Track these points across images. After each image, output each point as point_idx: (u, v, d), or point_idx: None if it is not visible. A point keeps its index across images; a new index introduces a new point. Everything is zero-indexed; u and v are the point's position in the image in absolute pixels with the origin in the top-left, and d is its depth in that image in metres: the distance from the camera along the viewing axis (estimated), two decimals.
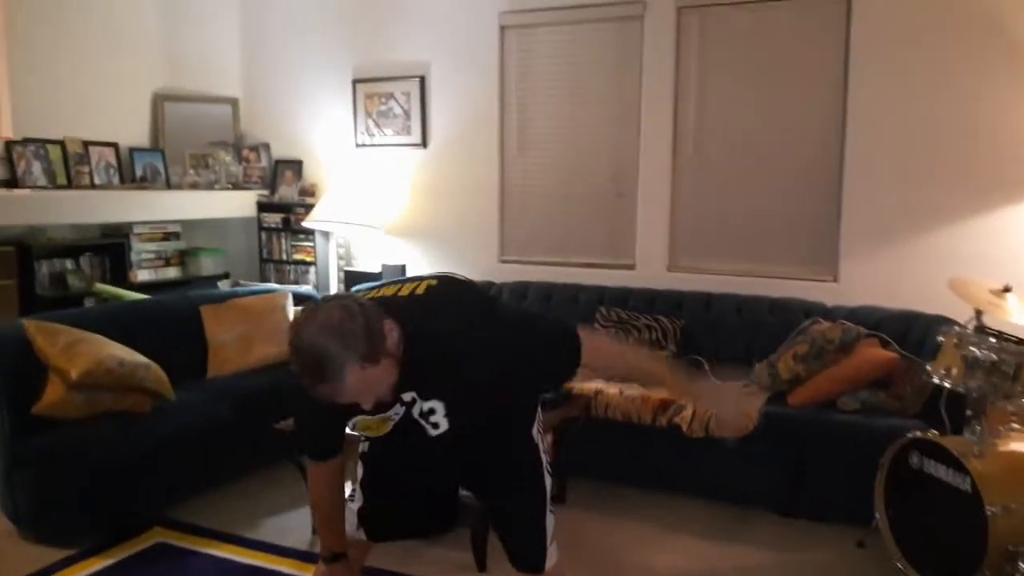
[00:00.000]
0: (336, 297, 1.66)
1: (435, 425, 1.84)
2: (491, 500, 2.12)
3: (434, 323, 1.73)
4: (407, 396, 1.84)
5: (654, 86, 4.32)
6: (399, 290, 1.83)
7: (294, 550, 3.09)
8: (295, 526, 3.30)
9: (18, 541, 3.13)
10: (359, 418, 1.87)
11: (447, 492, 2.19)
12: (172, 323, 3.97)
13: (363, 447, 2.13)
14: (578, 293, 4.40)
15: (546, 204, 4.70)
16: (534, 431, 2.06)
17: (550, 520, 2.04)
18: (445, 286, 1.84)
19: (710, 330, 4.02)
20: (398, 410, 1.86)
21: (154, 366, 3.39)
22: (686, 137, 4.31)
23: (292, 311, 4.22)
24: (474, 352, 1.72)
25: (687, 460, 3.45)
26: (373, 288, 1.90)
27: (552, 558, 2.03)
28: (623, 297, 4.28)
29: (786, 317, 3.86)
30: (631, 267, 4.47)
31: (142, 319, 3.87)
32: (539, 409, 2.12)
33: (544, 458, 2.06)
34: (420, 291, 1.81)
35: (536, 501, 2.03)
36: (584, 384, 3.68)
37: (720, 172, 4.25)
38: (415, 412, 1.84)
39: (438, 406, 1.82)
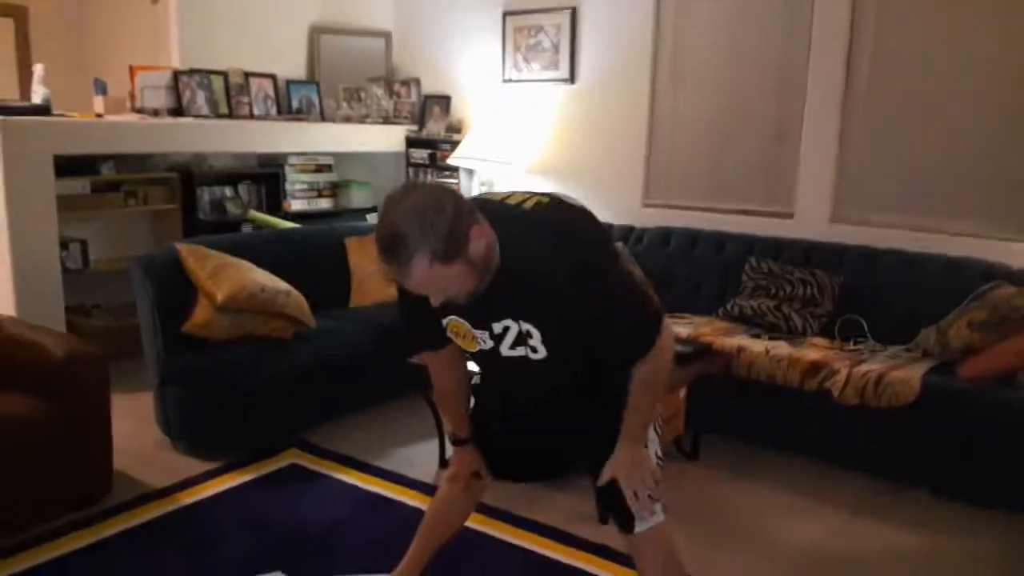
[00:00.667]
0: (438, 186, 1.61)
1: (534, 349, 1.77)
2: (589, 463, 2.00)
3: (530, 244, 1.65)
4: (498, 327, 1.77)
5: (827, 12, 3.92)
6: (508, 197, 1.75)
7: (420, 482, 3.12)
8: (423, 458, 3.34)
9: (169, 451, 3.34)
10: (451, 318, 1.83)
11: (552, 443, 2.11)
12: (319, 253, 4.07)
13: (474, 379, 2.12)
14: (726, 242, 4.14)
15: (697, 145, 4.43)
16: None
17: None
18: (554, 209, 1.73)
19: (872, 289, 3.67)
20: (485, 338, 1.81)
21: (295, 293, 3.47)
22: (860, 72, 3.90)
23: None
24: (563, 283, 1.63)
25: (835, 428, 3.19)
26: (490, 193, 1.84)
27: (646, 521, 1.88)
28: (776, 248, 3.98)
29: (961, 279, 3.46)
30: (788, 216, 4.15)
31: (290, 247, 3.99)
32: None
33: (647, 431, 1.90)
34: (528, 206, 1.71)
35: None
36: (725, 339, 3.46)
37: (898, 112, 3.82)
38: (510, 337, 1.77)
39: (534, 331, 1.75)
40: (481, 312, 1.77)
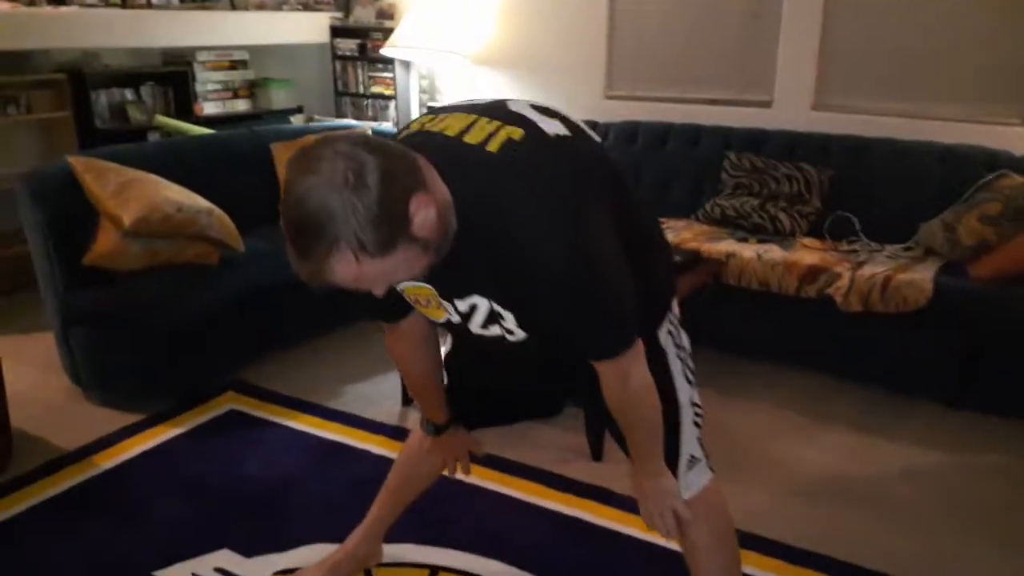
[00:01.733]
0: (357, 140, 1.12)
1: (510, 332, 1.38)
2: (581, 394, 1.65)
3: (496, 209, 1.21)
4: (463, 304, 1.37)
5: None
6: (466, 131, 1.28)
7: (381, 424, 2.74)
8: (382, 394, 2.95)
9: (83, 403, 2.86)
10: (407, 283, 1.41)
11: (540, 381, 1.77)
12: (240, 163, 3.51)
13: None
14: (700, 135, 3.75)
15: (664, 28, 3.97)
16: (662, 334, 1.54)
17: (688, 440, 1.56)
18: (531, 155, 1.26)
19: (863, 182, 3.35)
20: (451, 311, 1.41)
21: (218, 212, 2.96)
22: None
23: None
24: (547, 262, 1.20)
25: (838, 338, 2.91)
26: (436, 114, 1.36)
27: (691, 488, 1.57)
28: (756, 141, 3.61)
29: (960, 169, 3.17)
30: (767, 104, 3.77)
31: (206, 157, 3.42)
32: (673, 299, 1.60)
33: (677, 365, 1.56)
34: (494, 147, 1.25)
35: (663, 413, 1.51)
36: (713, 245, 3.12)
37: None
38: (479, 317, 1.38)
39: (505, 313, 1.34)
40: (443, 283, 1.36)
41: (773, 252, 3.03)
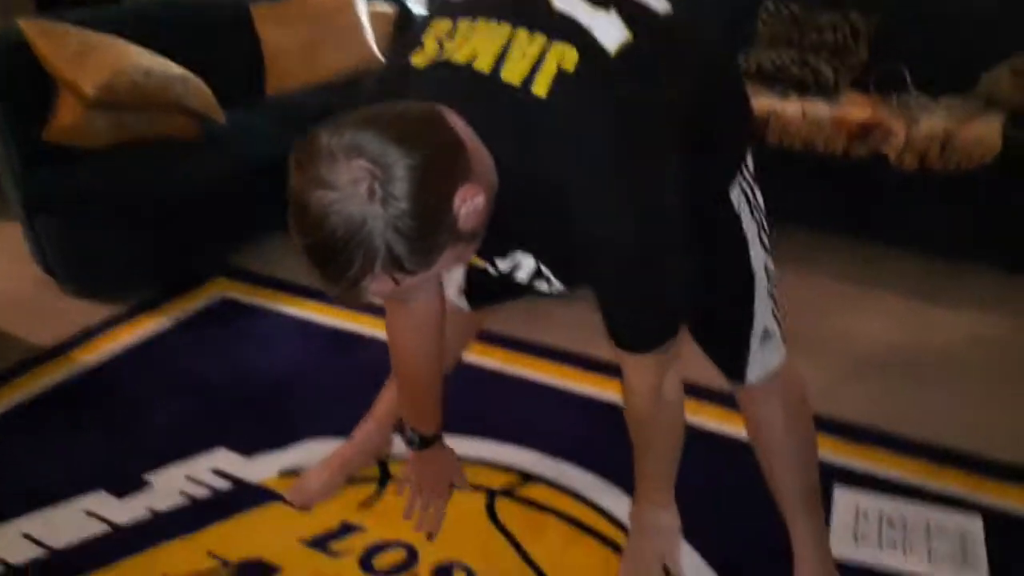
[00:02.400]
0: (380, 120, 0.88)
1: (550, 282, 1.17)
2: None
3: (558, 172, 0.97)
4: (505, 264, 1.17)
5: None
6: (502, 56, 0.99)
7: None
8: None
9: (57, 294, 2.59)
10: None
11: None
12: (217, 25, 3.12)
13: None
14: None
15: None
16: (734, 192, 1.27)
17: (762, 312, 1.32)
18: (593, 83, 0.98)
19: (915, 29, 2.97)
20: (491, 267, 1.21)
21: (194, 79, 2.62)
22: None
23: (364, 9, 3.32)
24: (607, 241, 1.01)
25: (891, 201, 2.62)
26: (455, 18, 1.04)
27: (765, 366, 1.34)
28: None
29: None
30: None
31: (178, 20, 3.03)
32: (748, 150, 1.31)
33: (753, 228, 1.30)
34: (541, 87, 0.97)
35: (733, 286, 1.31)
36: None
37: None
38: (523, 273, 1.18)
39: (551, 275, 1.17)
40: (484, 246, 1.10)
41: (819, 109, 2.71)
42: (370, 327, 2.40)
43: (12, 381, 2.17)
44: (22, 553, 1.64)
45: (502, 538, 1.67)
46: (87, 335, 2.37)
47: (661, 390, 1.21)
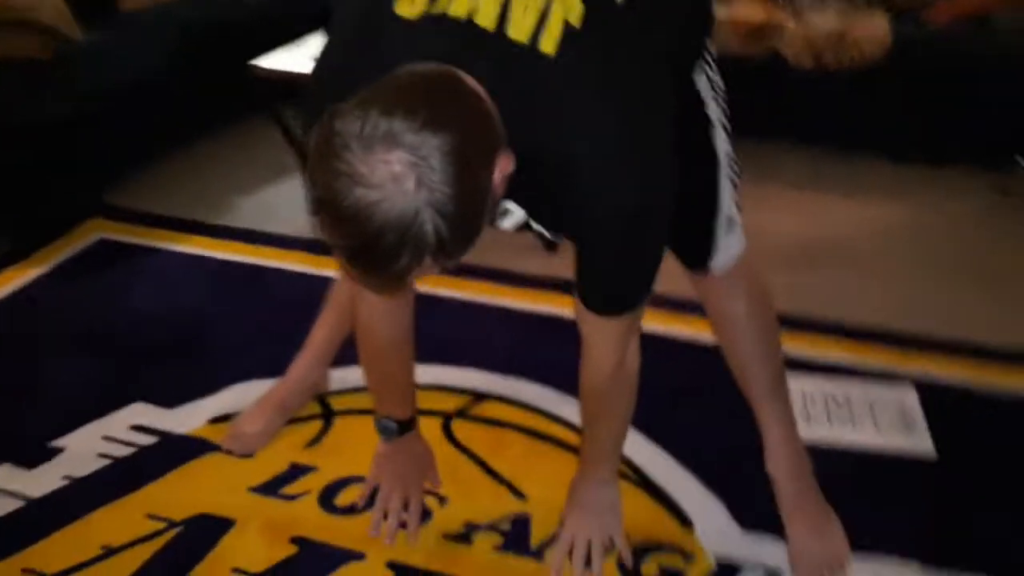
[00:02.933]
0: (406, 100, 0.80)
1: (541, 235, 1.12)
2: None
3: (564, 136, 0.94)
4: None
5: None
6: (506, 7, 0.92)
7: (294, 239, 2.30)
8: (285, 204, 2.50)
9: None
10: None
11: None
12: None
13: None
14: None
15: None
16: (698, 77, 1.24)
17: (725, 200, 1.30)
18: (601, 39, 0.95)
19: None
20: None
21: None
22: None
23: None
24: (604, 212, 0.98)
25: (786, 100, 2.67)
26: None
27: (729, 252, 1.33)
28: None
29: None
30: None
31: None
32: (709, 36, 1.27)
33: (715, 112, 1.27)
34: (548, 43, 0.91)
35: (697, 170, 1.26)
36: None
37: None
38: (511, 221, 1.14)
39: (540, 227, 1.11)
40: None
41: (719, 9, 2.70)
42: (276, 260, 2.23)
43: None
44: None
45: (464, 457, 1.62)
46: None
47: (625, 358, 1.19)
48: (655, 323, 1.89)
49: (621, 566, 1.38)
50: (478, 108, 0.85)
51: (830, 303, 2.02)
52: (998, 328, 1.91)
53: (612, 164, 0.95)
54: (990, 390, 1.75)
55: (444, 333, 1.91)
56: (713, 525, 1.47)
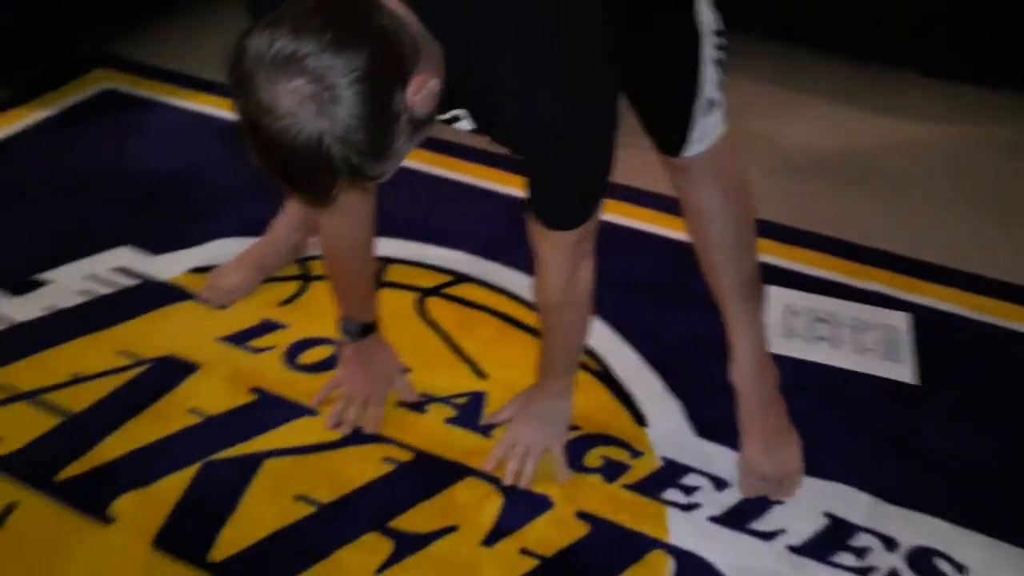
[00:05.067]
0: (313, 20, 0.79)
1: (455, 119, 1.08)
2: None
3: (480, 53, 0.94)
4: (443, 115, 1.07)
5: None
6: None
7: None
8: None
9: None
10: None
11: None
12: None
13: None
14: None
15: None
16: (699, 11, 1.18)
17: (708, 80, 1.23)
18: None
19: None
20: None
21: None
22: None
23: None
24: (537, 123, 0.97)
25: (819, 5, 2.52)
26: None
27: (705, 136, 1.27)
28: None
29: None
30: None
31: None
32: None
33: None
34: None
35: (676, 47, 1.21)
36: None
37: None
38: (461, 125, 1.11)
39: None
40: None
41: None
42: None
43: None
44: None
45: (432, 333, 1.62)
46: None
47: (575, 274, 1.18)
48: (634, 218, 1.88)
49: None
50: (391, 26, 0.84)
51: (833, 219, 1.95)
52: (1011, 266, 1.83)
53: (533, 80, 0.94)
54: (989, 322, 1.68)
55: (431, 212, 1.90)
56: (667, 426, 1.45)
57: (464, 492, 1.33)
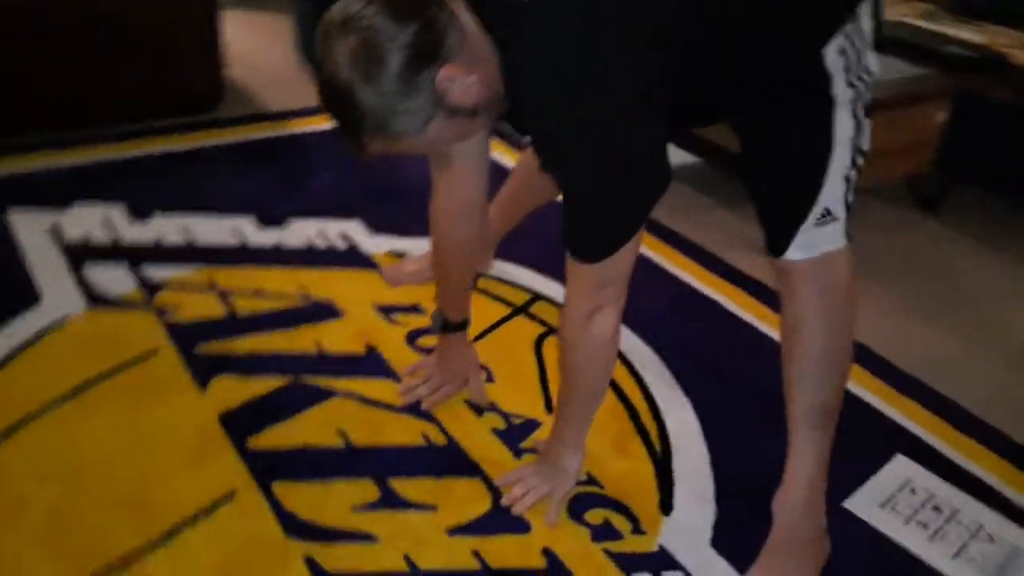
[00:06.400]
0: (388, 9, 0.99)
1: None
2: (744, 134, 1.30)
3: (530, 76, 1.06)
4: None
5: None
6: None
7: None
8: None
9: (296, 74, 2.96)
10: None
11: None
12: None
13: None
14: None
15: None
16: (830, 52, 1.14)
17: (831, 192, 1.20)
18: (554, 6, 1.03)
19: None
20: None
21: None
22: None
23: None
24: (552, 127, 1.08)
25: None
26: None
27: (810, 247, 1.22)
28: None
29: None
30: None
31: None
32: (857, 12, 1.15)
33: (847, 93, 1.16)
34: None
35: (806, 151, 1.19)
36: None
37: None
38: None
39: None
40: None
41: None
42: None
43: (237, 126, 2.58)
44: (173, 238, 2.00)
45: (534, 362, 1.73)
46: (303, 112, 2.70)
47: (592, 317, 1.19)
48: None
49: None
50: (442, 17, 1.00)
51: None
52: None
53: (560, 84, 1.03)
54: None
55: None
56: (689, 525, 1.40)
57: (464, 486, 1.42)
